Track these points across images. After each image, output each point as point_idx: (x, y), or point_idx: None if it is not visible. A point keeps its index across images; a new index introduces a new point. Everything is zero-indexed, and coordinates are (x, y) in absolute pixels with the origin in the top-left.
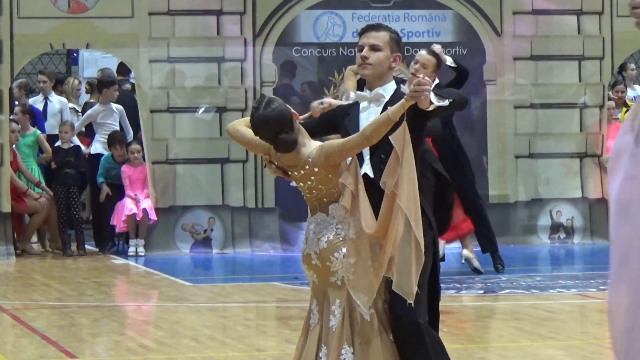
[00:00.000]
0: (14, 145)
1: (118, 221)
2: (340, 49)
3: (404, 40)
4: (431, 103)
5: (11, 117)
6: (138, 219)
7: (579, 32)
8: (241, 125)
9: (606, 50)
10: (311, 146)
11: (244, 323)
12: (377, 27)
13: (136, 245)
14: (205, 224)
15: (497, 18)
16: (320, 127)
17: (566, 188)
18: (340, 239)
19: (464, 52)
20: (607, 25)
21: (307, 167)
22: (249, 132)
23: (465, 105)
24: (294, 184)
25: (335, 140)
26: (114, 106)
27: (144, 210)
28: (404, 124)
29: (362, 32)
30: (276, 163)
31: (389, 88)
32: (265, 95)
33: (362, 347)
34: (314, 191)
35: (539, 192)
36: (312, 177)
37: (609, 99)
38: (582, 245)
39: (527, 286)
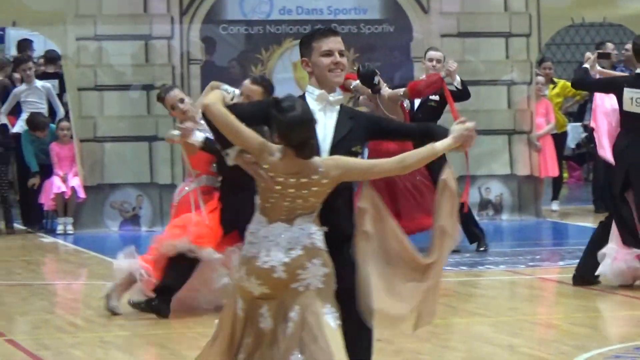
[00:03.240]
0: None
1: (46, 199)
2: (267, 26)
3: (331, 17)
4: None
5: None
6: (66, 197)
7: (505, 9)
8: (225, 110)
9: (533, 27)
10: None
11: (173, 299)
12: (336, 32)
13: (65, 224)
14: (134, 201)
15: None
16: (254, 119)
17: (495, 165)
18: (318, 247)
19: (391, 30)
20: (534, 2)
21: (315, 176)
22: (239, 123)
23: None
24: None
25: (358, 160)
26: (40, 84)
27: (73, 188)
28: (449, 165)
29: (324, 36)
30: (265, 166)
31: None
32: (288, 96)
33: (310, 347)
34: (297, 200)
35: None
36: (313, 188)
37: (537, 75)
38: (510, 222)
39: (456, 263)
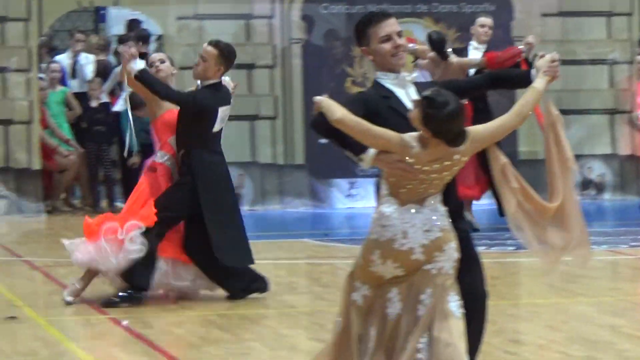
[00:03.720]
0: (43, 103)
1: None
2: (368, 5)
3: None
4: None
5: (39, 74)
6: None
7: None
8: (357, 118)
9: (634, 6)
10: None
11: (274, 280)
12: (389, 14)
13: None
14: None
15: None
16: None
17: (596, 144)
18: (450, 229)
19: (492, 9)
20: None
21: (457, 156)
22: (375, 127)
23: None
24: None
25: (484, 126)
26: (140, 63)
27: None
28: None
29: (379, 21)
30: (410, 160)
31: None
32: (435, 90)
33: (434, 333)
34: (435, 182)
35: None
36: (454, 168)
37: (638, 54)
38: (612, 202)
39: None
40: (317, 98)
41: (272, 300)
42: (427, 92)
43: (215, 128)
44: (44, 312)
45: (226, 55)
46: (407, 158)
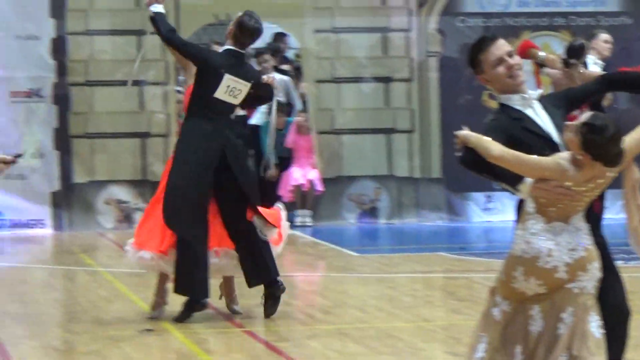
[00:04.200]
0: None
1: (285, 191)
2: (505, 18)
3: (569, 9)
4: None
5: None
6: (305, 189)
7: None
8: (505, 148)
9: None
10: None
11: (410, 293)
12: (494, 37)
13: (303, 216)
14: (372, 194)
15: None
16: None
17: None
18: (594, 249)
19: (630, 22)
20: None
21: (610, 174)
22: (530, 157)
23: None
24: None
25: (632, 136)
26: (278, 77)
27: (311, 180)
28: None
29: (486, 47)
30: (568, 184)
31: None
32: (593, 115)
33: (573, 353)
34: (585, 200)
35: None
36: (605, 185)
37: None
38: None
39: None
40: (461, 133)
41: (407, 314)
42: (585, 118)
43: (217, 94)
44: (179, 324)
45: (237, 24)
46: (565, 182)
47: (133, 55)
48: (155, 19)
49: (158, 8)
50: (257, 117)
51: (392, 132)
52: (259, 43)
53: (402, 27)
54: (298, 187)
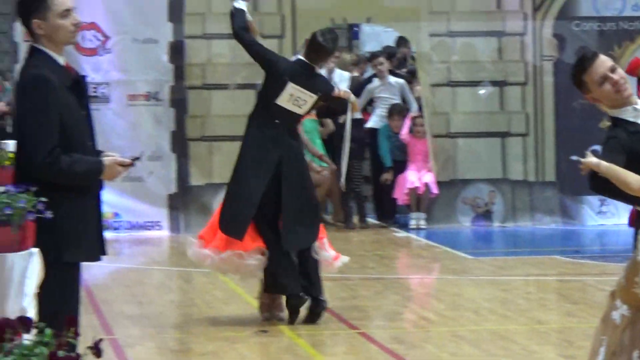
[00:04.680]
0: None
1: (400, 194)
2: (620, 22)
3: None
4: None
5: None
6: (420, 192)
7: None
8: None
9: None
10: None
11: (524, 296)
12: (594, 55)
13: (418, 218)
14: (486, 197)
15: None
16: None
17: None
18: None
19: None
20: None
21: None
22: None
23: None
24: None
25: None
26: (393, 80)
27: (426, 184)
28: None
29: (587, 66)
30: None
31: None
32: None
33: None
34: None
35: None
36: None
37: None
38: None
39: None
40: (589, 162)
41: (521, 316)
42: None
43: (279, 100)
44: (293, 326)
45: (310, 37)
46: None
47: (248, 60)
48: (234, 13)
49: (240, 4)
50: (374, 120)
51: (506, 135)
52: (374, 46)
53: (517, 31)
54: (413, 190)
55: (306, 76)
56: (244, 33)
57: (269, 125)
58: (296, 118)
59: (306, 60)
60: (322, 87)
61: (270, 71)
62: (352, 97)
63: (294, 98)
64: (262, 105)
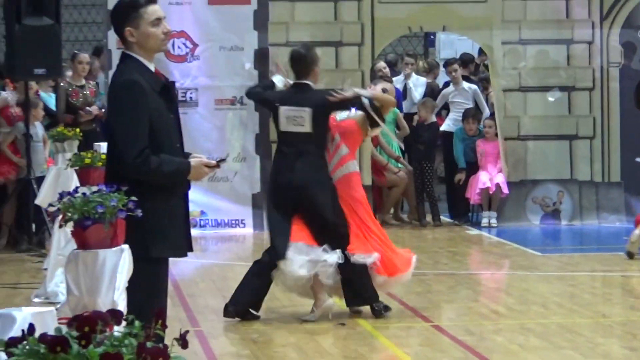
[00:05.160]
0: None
1: (472, 194)
2: None
3: None
4: None
5: None
6: (491, 192)
7: None
8: None
9: None
10: None
11: (590, 291)
12: None
13: (489, 217)
14: (555, 196)
15: None
16: None
17: None
18: None
19: None
20: None
21: None
22: None
23: None
24: None
25: None
26: (467, 86)
27: (497, 184)
28: None
29: None
30: None
31: None
32: None
33: None
34: None
35: None
36: None
37: None
38: None
39: None
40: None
41: (587, 310)
42: None
43: (281, 126)
44: (371, 319)
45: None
46: None
47: (330, 66)
48: (266, 83)
49: (277, 79)
50: (448, 124)
51: (574, 138)
52: (449, 53)
53: (586, 39)
54: (485, 190)
55: (295, 94)
56: (253, 91)
57: (283, 154)
58: (306, 137)
59: (298, 81)
60: (314, 98)
61: (268, 106)
62: (359, 91)
63: (291, 118)
64: (278, 138)
